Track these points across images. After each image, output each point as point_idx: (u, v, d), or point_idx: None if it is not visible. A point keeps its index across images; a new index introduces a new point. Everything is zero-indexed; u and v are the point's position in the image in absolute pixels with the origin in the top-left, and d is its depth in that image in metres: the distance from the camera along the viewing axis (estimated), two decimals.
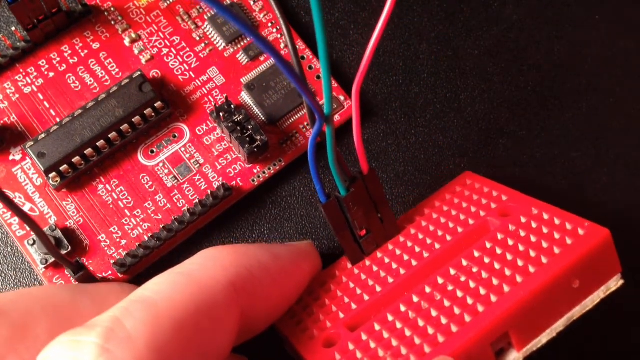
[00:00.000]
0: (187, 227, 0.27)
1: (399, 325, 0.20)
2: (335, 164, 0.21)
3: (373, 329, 0.21)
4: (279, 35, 0.30)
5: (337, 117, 0.29)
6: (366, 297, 0.22)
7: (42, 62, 0.29)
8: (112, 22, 0.30)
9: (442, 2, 0.32)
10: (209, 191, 0.27)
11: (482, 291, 0.20)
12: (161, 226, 0.27)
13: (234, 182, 0.28)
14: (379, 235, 0.24)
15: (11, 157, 0.28)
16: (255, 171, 0.29)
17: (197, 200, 0.28)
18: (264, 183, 0.29)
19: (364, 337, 0.20)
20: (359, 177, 0.23)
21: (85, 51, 0.30)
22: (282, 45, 0.30)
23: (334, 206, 0.23)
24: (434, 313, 0.20)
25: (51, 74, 0.29)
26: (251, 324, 0.22)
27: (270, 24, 0.31)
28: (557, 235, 0.20)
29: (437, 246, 0.22)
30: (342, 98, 0.29)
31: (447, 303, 0.20)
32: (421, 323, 0.20)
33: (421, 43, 0.31)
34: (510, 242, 0.21)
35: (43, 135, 0.27)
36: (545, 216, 0.21)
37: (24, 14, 0.28)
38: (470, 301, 0.19)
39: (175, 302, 0.19)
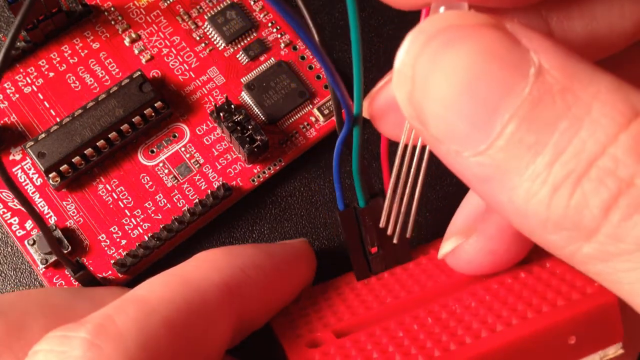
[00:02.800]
0: (187, 227, 0.27)
1: (384, 340, 0.20)
2: (359, 173, 0.21)
3: (358, 339, 0.21)
4: (279, 35, 0.30)
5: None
6: (361, 311, 0.22)
7: (42, 62, 0.29)
8: (112, 22, 0.30)
9: None
10: (209, 191, 0.27)
11: (474, 325, 0.20)
12: (161, 226, 0.27)
13: (234, 182, 0.28)
14: (390, 256, 0.23)
15: (11, 157, 0.28)
16: (255, 171, 0.29)
17: (197, 200, 0.28)
18: (264, 183, 0.29)
19: (347, 344, 0.20)
20: (380, 195, 0.22)
21: (85, 51, 0.30)
22: (283, 45, 0.30)
23: (351, 216, 0.22)
24: (421, 336, 0.20)
25: (51, 74, 0.29)
26: (246, 323, 0.22)
27: (270, 24, 0.31)
28: (563, 289, 0.20)
29: (443, 278, 0.22)
30: None
31: (436, 330, 0.20)
32: (406, 342, 0.20)
33: None
34: (517, 287, 0.21)
35: (43, 135, 0.27)
36: (557, 271, 0.21)
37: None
38: (459, 332, 0.19)
39: (166, 301, 0.19)
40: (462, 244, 0.21)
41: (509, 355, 0.19)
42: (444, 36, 0.14)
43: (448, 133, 0.14)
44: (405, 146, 0.18)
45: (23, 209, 0.23)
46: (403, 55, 0.14)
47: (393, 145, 0.30)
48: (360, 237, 0.23)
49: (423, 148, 0.18)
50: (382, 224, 0.20)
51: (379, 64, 0.31)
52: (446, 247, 0.21)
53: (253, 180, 0.29)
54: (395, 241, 0.20)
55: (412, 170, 0.18)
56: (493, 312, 0.20)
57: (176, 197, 0.28)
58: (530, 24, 0.16)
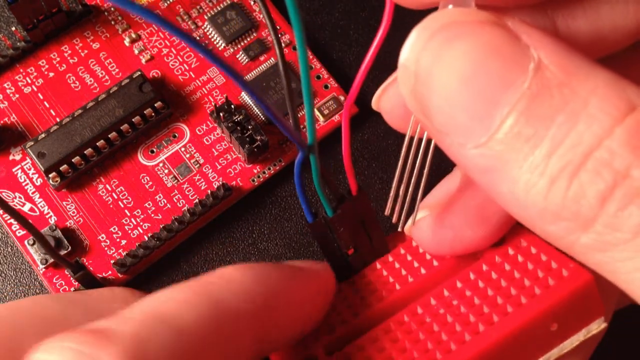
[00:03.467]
0: (187, 227, 0.27)
1: (370, 351, 0.20)
2: (322, 188, 0.21)
3: (348, 357, 0.21)
4: (279, 35, 0.30)
5: (336, 117, 0.29)
6: (349, 318, 0.22)
7: (42, 62, 0.29)
8: (112, 22, 0.30)
9: None
10: (209, 191, 0.27)
11: (458, 328, 0.20)
12: (161, 226, 0.27)
13: (234, 182, 0.28)
14: (367, 253, 0.23)
15: (11, 157, 0.28)
16: (255, 171, 0.29)
17: (197, 200, 0.28)
18: (264, 183, 0.29)
19: None
20: (348, 197, 0.22)
21: (85, 51, 0.30)
22: (283, 45, 0.30)
23: (321, 226, 0.22)
24: (407, 345, 0.20)
25: (51, 74, 0.29)
26: (264, 351, 0.21)
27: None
28: (540, 274, 0.20)
29: (422, 271, 0.22)
30: (342, 98, 0.29)
31: (421, 336, 0.20)
32: (394, 354, 0.20)
33: None
34: (494, 276, 0.21)
35: (43, 135, 0.27)
36: (533, 250, 0.21)
37: (24, 14, 0.28)
38: (444, 337, 0.19)
39: (198, 327, 0.17)
40: (426, 217, 0.20)
41: (493, 358, 0.19)
42: (447, 32, 0.14)
43: (450, 125, 0.14)
44: (412, 138, 0.18)
45: (13, 218, 0.22)
46: (407, 50, 0.15)
47: (390, 139, 0.30)
48: (335, 243, 0.23)
49: (429, 141, 0.18)
50: (387, 211, 0.20)
51: (379, 64, 0.31)
52: (411, 220, 0.20)
53: (253, 180, 0.29)
54: (399, 229, 0.20)
55: (418, 162, 0.18)
56: (474, 310, 0.20)
57: (176, 197, 0.28)
58: (536, 22, 0.17)
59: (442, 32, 0.14)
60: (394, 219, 0.20)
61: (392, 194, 0.20)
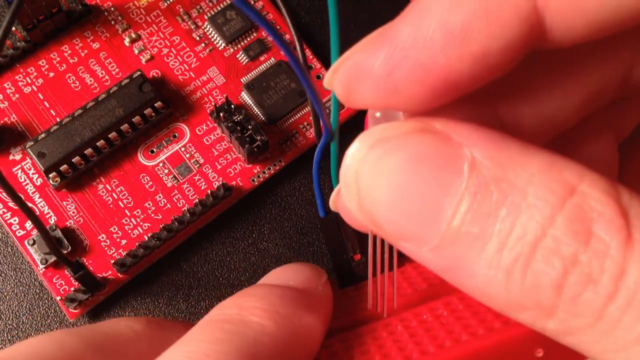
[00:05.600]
0: (187, 227, 0.27)
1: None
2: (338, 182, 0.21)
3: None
4: None
5: None
6: (339, 331, 0.22)
7: (42, 62, 0.29)
8: (112, 22, 0.30)
9: None
10: (209, 191, 0.27)
11: (441, 335, 0.19)
12: (161, 226, 0.27)
13: (234, 182, 0.28)
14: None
15: (11, 157, 0.28)
16: (255, 171, 0.29)
17: (197, 200, 0.28)
18: (264, 183, 0.29)
19: None
20: None
21: (85, 51, 0.30)
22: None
23: (332, 223, 0.22)
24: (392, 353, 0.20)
25: (51, 74, 0.29)
26: None
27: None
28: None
29: (422, 287, 0.22)
30: None
31: (408, 345, 0.20)
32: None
33: None
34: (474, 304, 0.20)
35: (43, 135, 0.27)
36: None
37: (24, 14, 0.28)
38: (431, 350, 0.19)
39: None
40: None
41: None
42: (379, 149, 0.14)
43: (401, 234, 0.15)
44: (374, 236, 0.19)
45: (22, 211, 0.22)
46: (345, 171, 0.15)
47: None
48: (342, 244, 0.22)
49: None
50: (370, 306, 0.20)
51: None
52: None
53: (253, 180, 0.29)
54: (385, 316, 0.21)
55: (386, 254, 0.19)
56: (461, 324, 0.20)
57: (176, 197, 0.28)
58: (478, 113, 0.17)
59: (374, 149, 0.15)
60: (379, 311, 0.21)
61: (370, 288, 0.20)
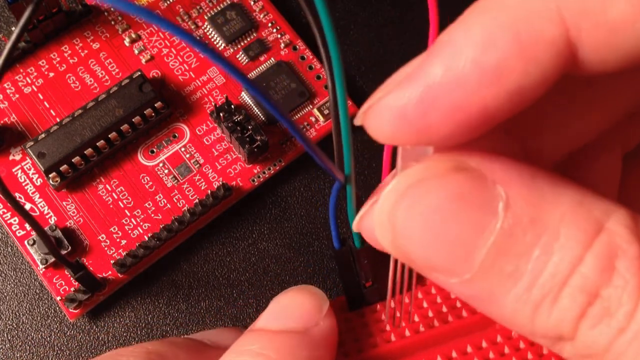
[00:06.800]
0: (187, 227, 0.27)
1: None
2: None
3: None
4: (279, 36, 0.30)
5: None
6: (349, 353, 0.22)
7: (42, 62, 0.29)
8: (112, 22, 0.30)
9: (442, 1, 0.32)
10: (209, 191, 0.27)
11: None
12: (161, 226, 0.27)
13: (234, 182, 0.28)
14: (384, 289, 0.23)
15: (11, 157, 0.28)
16: (255, 171, 0.29)
17: (197, 200, 0.28)
18: (264, 183, 0.29)
19: None
20: None
21: (85, 51, 0.30)
22: (283, 45, 0.30)
23: (346, 254, 0.22)
24: None
25: (51, 74, 0.29)
26: None
27: (270, 24, 0.30)
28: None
29: (435, 323, 0.22)
30: None
31: None
32: None
33: (421, 43, 0.31)
34: (507, 350, 0.20)
35: (43, 135, 0.27)
36: None
37: (24, 14, 0.28)
38: None
39: None
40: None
41: None
42: (416, 191, 0.15)
43: (433, 268, 0.15)
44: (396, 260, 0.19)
45: (18, 214, 0.22)
46: (381, 211, 0.16)
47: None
48: (354, 271, 0.23)
49: None
50: (387, 325, 0.21)
51: (379, 64, 0.31)
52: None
53: (253, 180, 0.29)
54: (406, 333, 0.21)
55: (405, 278, 0.19)
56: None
57: (176, 197, 0.28)
58: (504, 143, 0.18)
59: (411, 191, 0.15)
60: (393, 326, 0.21)
61: (387, 312, 0.21)
